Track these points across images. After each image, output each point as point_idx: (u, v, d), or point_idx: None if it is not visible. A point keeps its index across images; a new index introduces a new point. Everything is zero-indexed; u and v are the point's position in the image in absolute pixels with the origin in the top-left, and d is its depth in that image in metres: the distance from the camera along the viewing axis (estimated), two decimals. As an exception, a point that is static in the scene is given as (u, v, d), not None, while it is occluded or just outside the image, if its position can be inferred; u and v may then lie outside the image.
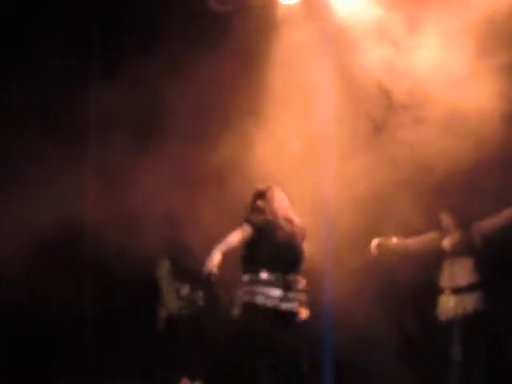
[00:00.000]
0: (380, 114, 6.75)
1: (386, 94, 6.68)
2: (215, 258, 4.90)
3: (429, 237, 6.38)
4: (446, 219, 6.31)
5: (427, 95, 6.44)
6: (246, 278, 5.12)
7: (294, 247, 5.22)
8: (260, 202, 5.39)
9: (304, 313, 5.23)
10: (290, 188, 5.87)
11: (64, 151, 7.13)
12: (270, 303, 5.02)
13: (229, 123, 7.19)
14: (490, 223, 6.08)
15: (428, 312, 6.44)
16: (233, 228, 5.22)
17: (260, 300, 5.02)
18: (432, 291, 6.44)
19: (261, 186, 5.46)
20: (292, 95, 6.95)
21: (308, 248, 5.43)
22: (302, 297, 5.20)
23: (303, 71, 6.98)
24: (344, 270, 6.63)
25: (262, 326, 4.96)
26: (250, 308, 5.05)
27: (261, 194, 5.42)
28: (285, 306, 5.08)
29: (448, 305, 6.20)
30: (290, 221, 5.33)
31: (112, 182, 7.20)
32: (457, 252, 6.19)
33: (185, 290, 6.88)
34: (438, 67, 6.44)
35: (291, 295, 5.11)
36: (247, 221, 5.20)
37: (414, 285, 6.71)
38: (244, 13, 7.21)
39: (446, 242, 6.24)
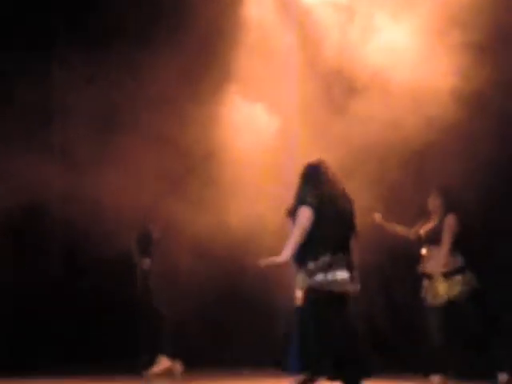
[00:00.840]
0: (340, 95, 6.93)
1: (346, 77, 6.88)
2: (287, 254, 4.69)
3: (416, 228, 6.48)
4: (435, 204, 6.39)
5: (386, 76, 6.59)
6: (309, 263, 4.80)
7: (348, 223, 4.92)
8: (315, 176, 4.99)
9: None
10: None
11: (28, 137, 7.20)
12: (337, 288, 4.76)
13: (187, 115, 7.25)
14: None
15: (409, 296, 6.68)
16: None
17: (325, 284, 4.74)
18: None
19: (312, 161, 5.05)
20: (256, 78, 7.08)
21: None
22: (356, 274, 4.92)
23: (268, 54, 7.16)
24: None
25: (331, 312, 4.70)
26: (316, 293, 4.75)
27: (314, 168, 5.05)
28: (351, 287, 4.82)
29: (435, 288, 6.28)
30: (344, 194, 4.99)
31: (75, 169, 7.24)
32: (431, 239, 6.31)
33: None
34: (395, 49, 6.66)
35: (352, 274, 4.83)
36: (306, 203, 4.81)
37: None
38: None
39: (422, 230, 6.37)
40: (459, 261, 6.21)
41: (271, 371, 6.76)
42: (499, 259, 6.37)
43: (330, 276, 4.70)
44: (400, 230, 6.56)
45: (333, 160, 5.79)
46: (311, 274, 4.73)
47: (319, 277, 4.71)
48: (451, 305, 6.20)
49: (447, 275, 6.19)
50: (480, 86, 6.19)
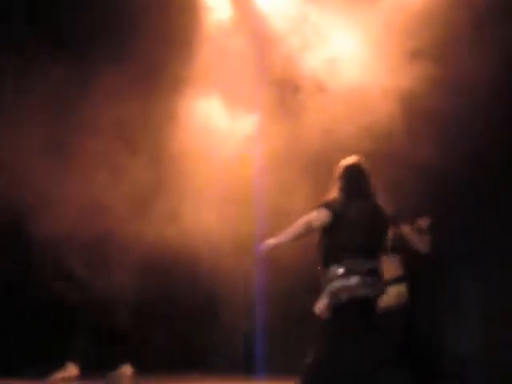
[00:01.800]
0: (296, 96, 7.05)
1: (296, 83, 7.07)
2: (274, 241, 4.59)
3: None
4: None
5: (341, 79, 6.78)
6: (330, 269, 4.65)
7: (375, 228, 4.73)
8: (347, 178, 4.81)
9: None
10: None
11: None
12: (360, 294, 4.61)
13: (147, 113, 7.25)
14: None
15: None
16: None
17: (345, 295, 4.58)
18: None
19: (349, 160, 4.87)
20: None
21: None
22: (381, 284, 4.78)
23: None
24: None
25: (352, 324, 4.54)
26: (339, 305, 4.59)
27: (347, 169, 4.85)
28: (363, 291, 4.63)
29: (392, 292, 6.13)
30: (374, 199, 4.79)
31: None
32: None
33: None
34: (351, 55, 6.89)
35: (374, 282, 4.64)
36: (325, 206, 4.68)
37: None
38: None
39: None
40: (399, 269, 6.20)
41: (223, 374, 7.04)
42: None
43: (343, 283, 4.58)
44: None
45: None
46: (329, 281, 4.62)
47: (334, 284, 4.58)
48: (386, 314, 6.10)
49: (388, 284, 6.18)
50: (421, 91, 6.40)
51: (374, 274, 4.59)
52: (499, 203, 6.56)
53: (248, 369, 7.29)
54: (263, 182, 6.97)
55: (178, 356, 7.64)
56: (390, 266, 6.04)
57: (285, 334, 7.34)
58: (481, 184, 6.56)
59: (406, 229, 6.00)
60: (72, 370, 7.20)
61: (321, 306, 4.64)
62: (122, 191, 6.93)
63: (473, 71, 6.32)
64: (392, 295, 6.07)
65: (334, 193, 4.69)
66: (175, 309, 7.72)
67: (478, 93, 6.34)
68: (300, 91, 7.05)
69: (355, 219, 4.57)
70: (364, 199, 4.70)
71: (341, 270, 4.50)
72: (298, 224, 4.63)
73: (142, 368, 7.28)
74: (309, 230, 4.58)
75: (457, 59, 6.48)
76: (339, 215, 4.54)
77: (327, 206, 4.59)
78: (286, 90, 7.10)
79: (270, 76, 7.14)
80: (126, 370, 7.12)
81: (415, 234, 5.95)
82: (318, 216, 4.56)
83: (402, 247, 6.05)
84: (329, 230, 4.58)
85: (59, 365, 7.02)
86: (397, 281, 6.16)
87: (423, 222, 6.08)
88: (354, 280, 4.50)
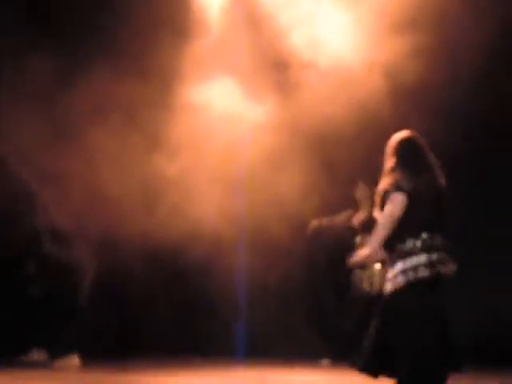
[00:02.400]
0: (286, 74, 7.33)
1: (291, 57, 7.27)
2: (374, 246, 4.51)
3: (345, 214, 6.90)
4: (363, 191, 6.73)
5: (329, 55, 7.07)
6: (406, 245, 4.49)
7: (440, 203, 4.55)
8: (410, 154, 4.59)
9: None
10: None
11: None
12: (426, 273, 4.43)
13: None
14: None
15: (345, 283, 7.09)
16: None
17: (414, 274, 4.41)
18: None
19: (403, 134, 4.65)
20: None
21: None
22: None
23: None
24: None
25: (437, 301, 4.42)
26: (409, 285, 4.44)
27: (408, 144, 4.62)
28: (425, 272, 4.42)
29: (369, 277, 6.66)
30: (438, 172, 4.61)
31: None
32: (365, 228, 6.60)
33: None
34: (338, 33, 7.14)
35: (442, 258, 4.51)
36: (400, 189, 4.48)
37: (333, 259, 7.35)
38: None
39: (355, 220, 6.77)
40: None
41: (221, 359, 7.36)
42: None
43: (407, 263, 4.44)
44: (338, 221, 6.98)
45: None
46: (404, 256, 4.48)
47: (398, 266, 4.46)
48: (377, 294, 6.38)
49: (383, 263, 6.46)
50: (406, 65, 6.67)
51: (448, 250, 4.52)
52: (487, 179, 6.87)
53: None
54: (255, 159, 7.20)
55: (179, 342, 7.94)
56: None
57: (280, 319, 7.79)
58: (470, 159, 6.87)
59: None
60: (74, 359, 7.40)
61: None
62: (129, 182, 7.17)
63: (460, 41, 6.63)
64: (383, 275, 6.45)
65: (393, 169, 4.51)
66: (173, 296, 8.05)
67: (464, 65, 6.62)
68: (290, 68, 7.23)
69: (427, 194, 4.42)
70: (428, 173, 4.53)
71: (418, 245, 4.38)
72: (387, 225, 4.44)
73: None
74: None
75: (443, 31, 6.73)
76: (411, 193, 4.37)
77: (399, 188, 4.39)
78: (277, 69, 7.33)
79: (262, 56, 7.35)
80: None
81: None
82: (400, 206, 4.37)
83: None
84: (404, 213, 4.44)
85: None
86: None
87: None
88: (434, 256, 4.40)
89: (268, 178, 7.24)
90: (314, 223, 7.25)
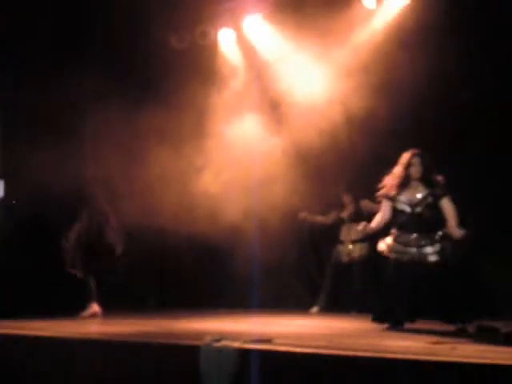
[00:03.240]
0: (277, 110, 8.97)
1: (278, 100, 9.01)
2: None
3: (335, 214, 8.90)
4: (347, 197, 8.74)
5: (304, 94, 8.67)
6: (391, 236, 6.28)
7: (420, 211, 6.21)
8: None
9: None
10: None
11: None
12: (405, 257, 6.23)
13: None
14: (370, 205, 8.13)
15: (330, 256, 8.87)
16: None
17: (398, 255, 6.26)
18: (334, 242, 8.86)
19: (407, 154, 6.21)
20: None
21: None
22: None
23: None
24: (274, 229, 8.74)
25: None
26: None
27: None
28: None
29: (347, 251, 8.73)
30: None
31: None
32: (351, 219, 8.63)
33: None
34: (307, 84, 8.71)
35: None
36: (386, 197, 6.35)
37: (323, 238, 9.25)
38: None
39: (344, 214, 8.79)
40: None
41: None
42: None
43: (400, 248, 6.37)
44: (319, 219, 8.90)
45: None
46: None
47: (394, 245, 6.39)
48: (352, 263, 8.58)
49: (354, 242, 8.64)
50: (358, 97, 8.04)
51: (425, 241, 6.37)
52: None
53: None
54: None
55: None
56: (356, 231, 7.90)
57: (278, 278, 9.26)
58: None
59: (365, 203, 8.38)
60: (95, 307, 8.03)
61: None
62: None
63: (401, 80, 7.74)
64: (355, 250, 8.65)
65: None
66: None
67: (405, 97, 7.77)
68: (279, 106, 8.83)
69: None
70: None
71: None
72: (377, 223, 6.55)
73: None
74: None
75: (388, 72, 7.89)
76: (397, 201, 6.42)
77: (388, 198, 6.36)
78: (271, 106, 8.95)
79: (263, 98, 8.99)
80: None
81: (372, 205, 7.68)
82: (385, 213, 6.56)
83: (366, 217, 7.63)
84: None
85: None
86: (360, 241, 8.51)
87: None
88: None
89: (271, 185, 8.56)
90: (302, 214, 8.80)
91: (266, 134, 8.83)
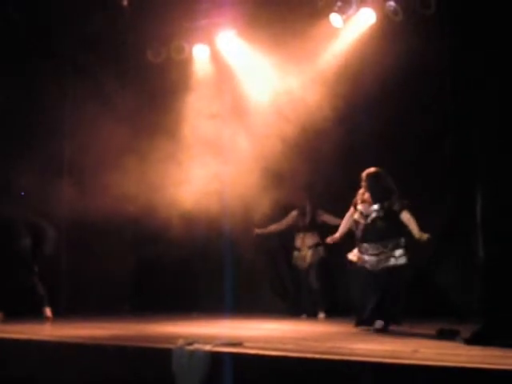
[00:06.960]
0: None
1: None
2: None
3: (291, 218, 9.00)
4: (308, 206, 8.87)
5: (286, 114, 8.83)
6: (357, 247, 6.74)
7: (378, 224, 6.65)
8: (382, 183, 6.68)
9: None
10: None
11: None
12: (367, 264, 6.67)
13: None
14: (326, 217, 8.60)
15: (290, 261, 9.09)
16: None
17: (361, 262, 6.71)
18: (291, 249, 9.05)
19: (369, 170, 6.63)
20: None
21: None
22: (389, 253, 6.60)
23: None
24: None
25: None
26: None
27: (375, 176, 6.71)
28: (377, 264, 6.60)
29: (303, 256, 8.89)
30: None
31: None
32: (307, 228, 8.84)
33: None
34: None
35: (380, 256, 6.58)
36: (354, 206, 6.82)
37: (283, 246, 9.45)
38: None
39: (301, 222, 8.89)
40: (317, 239, 8.69)
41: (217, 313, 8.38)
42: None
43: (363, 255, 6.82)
44: (273, 227, 8.95)
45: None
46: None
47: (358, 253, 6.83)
48: (309, 267, 8.75)
49: (310, 247, 8.81)
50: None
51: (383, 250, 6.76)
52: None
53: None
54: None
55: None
56: (313, 237, 8.72)
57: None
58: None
59: (320, 212, 8.66)
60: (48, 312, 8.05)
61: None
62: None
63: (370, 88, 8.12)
64: (312, 255, 8.80)
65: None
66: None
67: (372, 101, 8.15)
68: (247, 115, 9.05)
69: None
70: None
71: None
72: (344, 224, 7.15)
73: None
74: None
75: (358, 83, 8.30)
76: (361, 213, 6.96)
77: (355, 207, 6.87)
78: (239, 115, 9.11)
79: (233, 109, 9.13)
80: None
81: (331, 218, 8.34)
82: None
83: (320, 226, 8.61)
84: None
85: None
86: (315, 246, 8.74)
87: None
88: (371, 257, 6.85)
89: (241, 190, 8.64)
90: (256, 231, 8.84)
91: (235, 142, 9.01)
